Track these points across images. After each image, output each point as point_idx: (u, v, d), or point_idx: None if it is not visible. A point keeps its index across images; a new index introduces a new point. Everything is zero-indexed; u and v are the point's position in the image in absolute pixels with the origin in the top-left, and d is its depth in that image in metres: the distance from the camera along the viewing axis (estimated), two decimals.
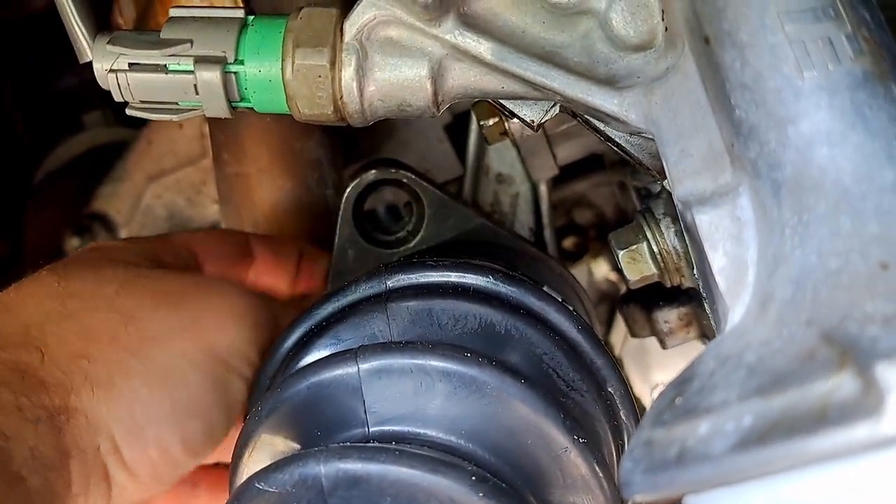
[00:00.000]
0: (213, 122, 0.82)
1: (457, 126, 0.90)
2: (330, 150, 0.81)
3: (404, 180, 0.67)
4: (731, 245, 0.37)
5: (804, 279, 0.33)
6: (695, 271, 0.53)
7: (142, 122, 0.97)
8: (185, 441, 0.54)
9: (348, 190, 0.67)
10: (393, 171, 0.66)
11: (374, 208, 0.86)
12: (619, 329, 1.03)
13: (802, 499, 0.29)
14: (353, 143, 0.90)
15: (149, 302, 0.54)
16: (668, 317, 0.66)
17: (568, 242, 1.03)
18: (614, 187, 0.94)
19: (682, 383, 0.35)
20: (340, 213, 0.67)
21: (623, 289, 0.96)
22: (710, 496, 0.32)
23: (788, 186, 0.35)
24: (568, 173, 0.88)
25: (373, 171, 0.66)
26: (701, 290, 0.51)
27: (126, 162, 0.96)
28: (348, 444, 0.47)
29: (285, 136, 0.78)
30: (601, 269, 1.06)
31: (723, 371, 0.33)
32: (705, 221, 0.38)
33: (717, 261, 0.37)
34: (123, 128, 1.03)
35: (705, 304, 0.51)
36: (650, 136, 0.47)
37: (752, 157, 0.36)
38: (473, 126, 0.76)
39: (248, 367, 0.57)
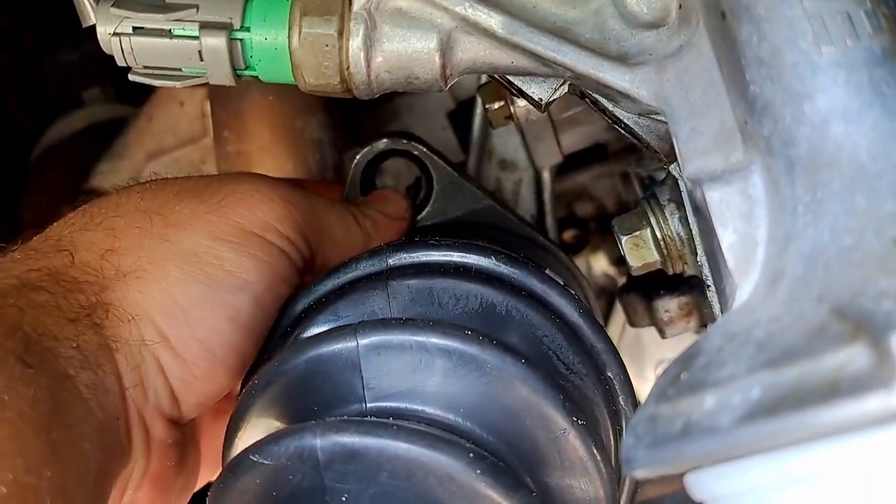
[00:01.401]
0: (215, 100, 0.81)
1: (460, 113, 0.89)
2: (332, 131, 0.80)
3: (415, 153, 0.66)
4: (741, 223, 0.36)
5: (816, 256, 0.32)
6: (698, 257, 0.52)
7: (142, 100, 0.96)
8: (233, 316, 0.52)
9: (358, 157, 0.66)
10: (405, 142, 0.66)
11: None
12: (616, 324, 1.02)
13: (810, 474, 0.28)
14: (354, 126, 0.89)
15: (172, 198, 0.53)
16: (669, 306, 0.66)
17: (568, 235, 1.02)
18: (616, 180, 0.93)
19: (687, 359, 0.34)
20: (349, 178, 0.66)
21: (621, 283, 0.95)
22: (713, 472, 0.32)
23: (802, 163, 0.34)
24: (570, 165, 0.88)
25: (384, 140, 0.66)
26: (705, 271, 0.50)
27: (126, 139, 0.96)
28: (345, 417, 0.46)
29: (287, 115, 0.78)
30: (600, 263, 1.05)
31: (731, 347, 0.32)
32: (716, 198, 0.37)
33: (727, 238, 0.36)
34: (123, 105, 1.03)
35: (708, 287, 0.50)
36: (659, 118, 0.47)
37: (766, 134, 0.36)
38: (478, 109, 0.75)
39: (285, 241, 0.54)
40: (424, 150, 0.66)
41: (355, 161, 0.66)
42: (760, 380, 0.29)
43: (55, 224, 0.53)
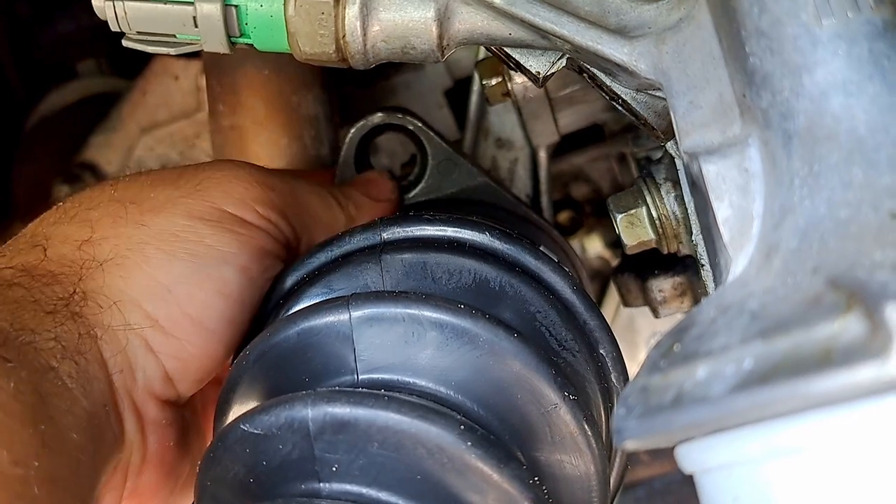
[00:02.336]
0: (210, 73, 0.80)
1: (456, 92, 0.89)
2: (328, 106, 0.80)
3: (410, 127, 0.65)
4: (737, 196, 0.36)
5: (812, 229, 0.32)
6: (693, 236, 0.52)
7: (137, 73, 0.96)
8: (222, 289, 0.51)
9: (353, 130, 0.65)
10: (400, 116, 0.65)
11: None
12: (609, 307, 1.03)
13: (801, 445, 0.28)
14: (350, 102, 0.89)
15: (147, 187, 0.53)
16: (663, 286, 0.66)
17: (563, 216, 1.02)
18: (612, 161, 0.93)
19: (680, 331, 0.34)
20: (342, 153, 0.66)
21: (615, 265, 0.95)
22: (704, 443, 0.31)
23: (800, 136, 0.34)
24: (566, 146, 0.87)
25: (379, 114, 0.65)
26: (700, 250, 0.50)
27: (119, 112, 0.95)
28: (337, 388, 0.46)
29: (283, 90, 0.77)
30: (594, 246, 1.05)
31: (724, 318, 0.32)
32: (712, 172, 0.37)
33: (722, 211, 0.36)
34: (118, 78, 1.02)
35: (702, 267, 0.50)
36: (658, 93, 0.47)
37: (764, 107, 0.35)
38: (475, 86, 0.75)
39: (264, 221, 0.54)
40: (420, 124, 0.66)
41: (349, 135, 0.66)
42: (753, 350, 0.29)
43: (31, 224, 0.52)
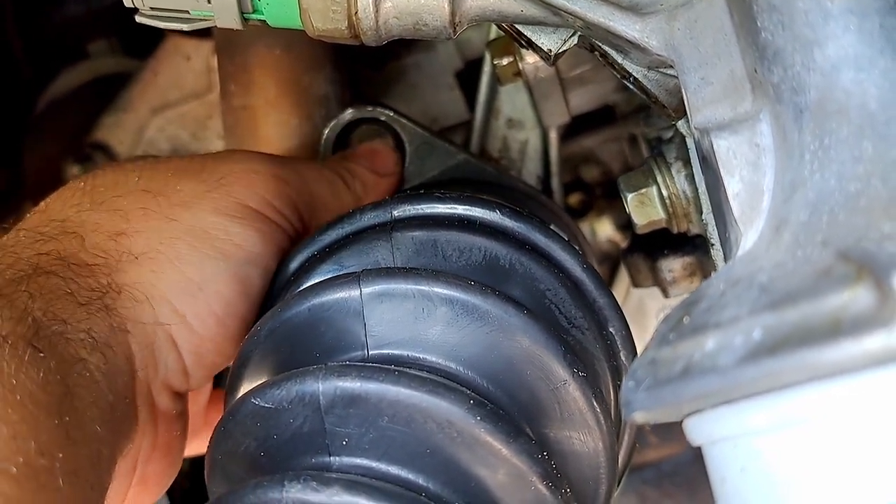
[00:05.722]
0: (222, 53, 0.80)
1: (467, 73, 0.89)
2: (339, 86, 0.80)
3: (382, 118, 0.66)
4: (747, 171, 0.36)
5: (822, 203, 0.32)
6: (703, 215, 0.52)
7: (148, 53, 0.96)
8: (246, 290, 0.53)
9: (326, 131, 0.67)
10: (370, 109, 0.66)
11: None
12: (619, 290, 1.02)
13: (808, 415, 0.29)
14: (361, 83, 0.89)
15: (171, 178, 0.54)
16: (673, 266, 0.66)
17: (573, 199, 1.02)
18: (623, 143, 0.93)
19: (689, 304, 0.34)
20: (320, 154, 0.67)
21: (625, 246, 0.95)
22: (712, 415, 0.32)
23: (811, 111, 0.34)
24: (577, 129, 0.87)
25: (350, 111, 0.66)
26: (710, 229, 0.50)
27: (130, 93, 0.95)
28: (347, 363, 0.46)
29: (294, 70, 0.77)
30: (605, 229, 1.05)
31: (733, 291, 0.32)
32: (723, 147, 0.37)
33: (733, 186, 0.36)
34: (129, 58, 1.02)
35: (712, 246, 0.50)
36: (669, 71, 0.47)
37: (776, 82, 0.35)
38: (486, 67, 0.75)
39: (280, 217, 0.56)
40: (391, 113, 0.66)
41: (324, 136, 0.67)
42: (763, 321, 0.29)
43: (52, 201, 0.53)
